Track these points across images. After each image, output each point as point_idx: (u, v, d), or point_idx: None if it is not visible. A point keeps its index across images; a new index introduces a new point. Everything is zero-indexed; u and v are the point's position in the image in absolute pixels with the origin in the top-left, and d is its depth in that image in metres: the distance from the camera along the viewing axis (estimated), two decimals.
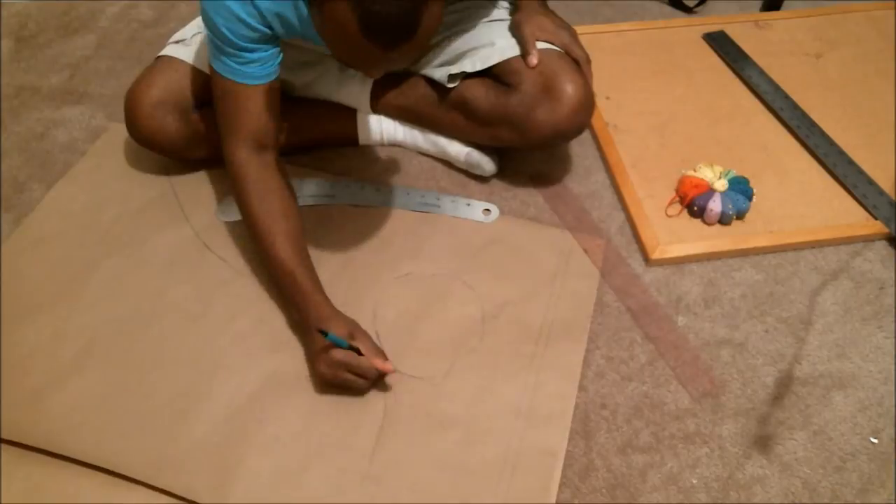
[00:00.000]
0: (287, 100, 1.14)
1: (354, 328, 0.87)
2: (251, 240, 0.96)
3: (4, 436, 0.83)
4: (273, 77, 0.93)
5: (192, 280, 1.00)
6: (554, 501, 0.80)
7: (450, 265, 1.02)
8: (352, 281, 0.99)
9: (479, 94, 1.06)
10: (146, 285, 0.99)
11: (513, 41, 1.06)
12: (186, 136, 1.07)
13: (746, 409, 0.89)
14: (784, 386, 0.91)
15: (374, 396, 0.88)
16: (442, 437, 0.85)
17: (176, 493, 0.79)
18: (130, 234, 1.05)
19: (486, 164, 1.13)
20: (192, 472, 0.81)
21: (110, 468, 0.81)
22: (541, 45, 1.04)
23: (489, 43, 1.06)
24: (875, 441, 0.86)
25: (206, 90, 1.06)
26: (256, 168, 0.93)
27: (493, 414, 0.87)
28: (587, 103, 1.03)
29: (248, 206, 0.93)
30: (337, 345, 0.83)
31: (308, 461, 0.82)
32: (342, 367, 0.84)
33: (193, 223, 1.07)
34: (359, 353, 0.84)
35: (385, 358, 0.86)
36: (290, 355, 0.92)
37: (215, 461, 0.82)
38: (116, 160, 1.16)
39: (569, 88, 1.00)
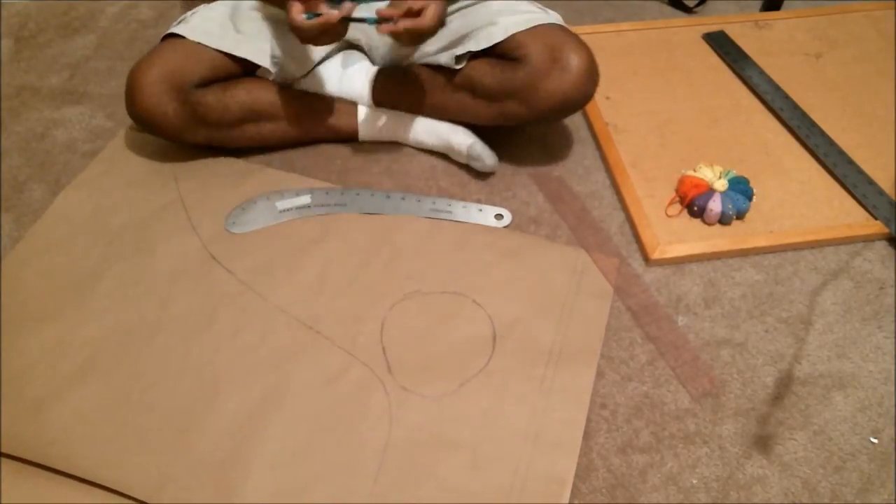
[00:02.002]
0: (288, 93, 1.14)
1: None
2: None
3: (4, 449, 0.82)
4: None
5: (198, 292, 0.98)
6: None
7: (460, 283, 0.99)
8: (359, 296, 0.98)
9: (485, 71, 1.07)
10: (151, 296, 0.97)
11: (514, 18, 1.07)
12: (184, 118, 1.07)
13: (746, 409, 0.89)
14: (784, 386, 0.91)
15: (378, 415, 0.86)
16: (447, 460, 0.82)
17: None
18: (137, 243, 1.04)
19: (488, 158, 1.13)
20: (194, 490, 0.80)
21: (111, 486, 0.79)
22: (541, 21, 1.05)
23: (490, 23, 1.07)
24: (875, 441, 0.86)
25: (205, 68, 1.07)
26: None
27: (501, 438, 0.84)
28: (593, 72, 1.05)
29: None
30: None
31: (312, 480, 0.81)
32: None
33: (201, 233, 1.05)
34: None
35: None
36: (295, 371, 0.90)
37: (217, 479, 0.81)
38: (125, 167, 1.15)
39: (574, 57, 1.03)
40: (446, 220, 1.08)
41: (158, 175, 1.14)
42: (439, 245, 1.04)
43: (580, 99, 1.06)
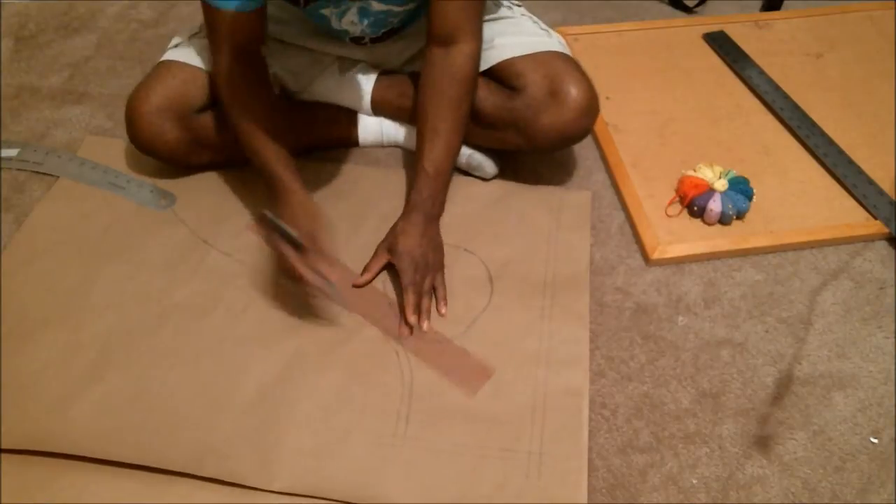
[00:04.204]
0: (287, 103, 1.14)
1: (315, 227, 0.91)
2: (233, 135, 1.00)
3: (36, 447, 0.82)
4: (255, 5, 0.95)
5: (197, 277, 1.00)
6: (587, 437, 0.84)
7: (448, 235, 1.04)
8: (357, 259, 1.01)
9: (483, 96, 1.05)
10: (150, 287, 0.99)
11: (513, 41, 1.05)
12: (186, 143, 1.07)
13: (746, 409, 0.89)
14: (784, 386, 0.91)
15: (398, 364, 0.91)
16: None
17: (223, 478, 0.80)
18: (125, 241, 1.05)
19: (488, 167, 1.13)
20: (236, 458, 0.82)
21: (152, 465, 0.81)
22: (541, 48, 1.03)
23: (489, 45, 1.05)
24: (875, 441, 0.86)
25: (206, 93, 1.06)
26: (237, 70, 0.98)
27: (515, 365, 0.91)
28: (592, 106, 1.02)
29: (227, 105, 1.00)
30: (284, 234, 0.87)
31: (346, 433, 0.84)
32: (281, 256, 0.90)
33: (187, 222, 1.07)
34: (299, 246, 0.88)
35: (330, 264, 0.90)
36: (310, 334, 0.93)
37: (255, 444, 0.83)
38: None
39: (573, 91, 1.00)
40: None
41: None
42: None
43: (578, 133, 1.04)
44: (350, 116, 1.17)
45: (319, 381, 0.89)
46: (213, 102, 1.07)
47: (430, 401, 0.88)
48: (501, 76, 1.05)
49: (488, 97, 1.05)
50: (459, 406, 0.87)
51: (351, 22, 1.06)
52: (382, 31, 1.08)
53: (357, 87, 1.13)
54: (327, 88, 1.15)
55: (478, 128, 1.07)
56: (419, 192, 0.99)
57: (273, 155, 0.96)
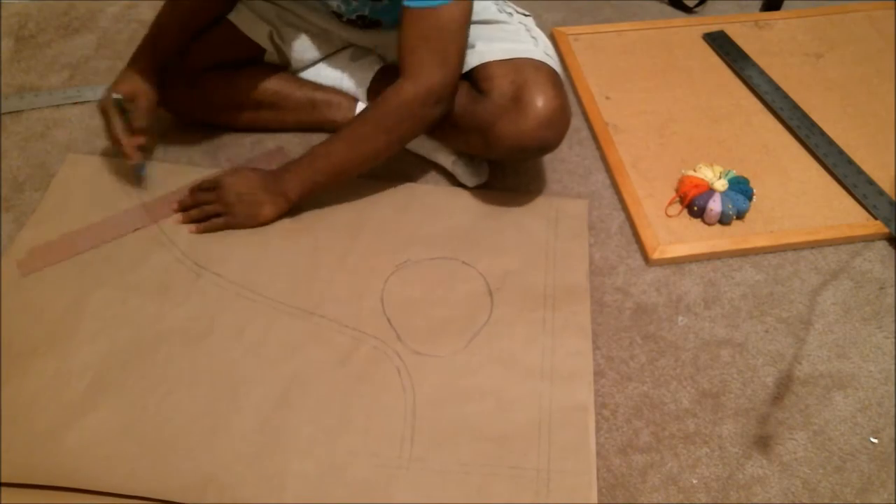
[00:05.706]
0: (290, 84, 1.17)
1: (138, 88, 1.03)
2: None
3: (32, 480, 0.80)
4: None
5: (190, 301, 0.97)
6: (594, 452, 0.84)
7: (445, 248, 1.04)
8: (353, 275, 1.01)
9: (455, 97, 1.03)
10: (142, 313, 0.96)
11: (495, 46, 1.02)
12: (189, 99, 1.13)
13: (746, 409, 0.89)
14: (784, 386, 0.91)
15: (399, 383, 0.90)
16: (475, 410, 0.87)
17: None
18: (115, 265, 1.02)
19: (468, 178, 1.11)
20: (238, 486, 0.80)
21: (150, 496, 0.79)
22: (520, 54, 1.00)
23: (470, 45, 1.02)
24: (875, 441, 0.86)
25: (213, 53, 1.13)
26: None
27: (519, 380, 0.90)
28: (557, 120, 0.97)
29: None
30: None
31: (351, 455, 0.83)
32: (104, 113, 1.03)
33: (179, 245, 1.04)
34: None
35: (134, 136, 1.04)
36: (309, 357, 0.92)
37: (258, 471, 0.81)
38: (80, 195, 1.11)
39: (537, 100, 0.95)
40: (420, 195, 1.12)
41: (118, 197, 1.11)
42: (418, 215, 1.09)
43: (537, 145, 0.99)
44: (350, 104, 1.17)
45: (320, 404, 0.87)
46: (218, 64, 1.13)
47: (434, 420, 0.86)
48: (475, 80, 1.02)
49: (458, 99, 1.02)
50: (464, 425, 0.86)
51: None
52: (367, 8, 1.07)
53: (360, 76, 1.14)
54: (334, 72, 1.17)
55: (448, 128, 1.06)
56: (296, 164, 1.02)
57: (151, 32, 1.07)
